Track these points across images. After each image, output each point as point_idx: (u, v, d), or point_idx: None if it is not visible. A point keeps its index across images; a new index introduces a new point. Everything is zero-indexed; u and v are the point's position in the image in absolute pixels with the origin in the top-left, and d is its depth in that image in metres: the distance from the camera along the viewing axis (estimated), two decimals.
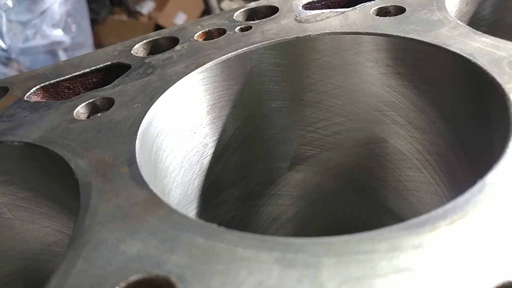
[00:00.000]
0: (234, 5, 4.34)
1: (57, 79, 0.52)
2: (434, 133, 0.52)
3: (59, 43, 2.21)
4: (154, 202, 0.31)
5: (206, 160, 0.54)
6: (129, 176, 0.33)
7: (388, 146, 0.58)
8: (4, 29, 1.84)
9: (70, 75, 0.52)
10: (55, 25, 2.17)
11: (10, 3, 1.85)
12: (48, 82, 0.52)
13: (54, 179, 0.41)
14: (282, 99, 0.57)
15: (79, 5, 2.37)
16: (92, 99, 0.45)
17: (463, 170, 0.48)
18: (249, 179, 0.60)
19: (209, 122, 0.54)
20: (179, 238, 0.27)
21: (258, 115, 0.57)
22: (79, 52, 2.42)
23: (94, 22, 2.79)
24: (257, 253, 0.25)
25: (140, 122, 0.40)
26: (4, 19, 1.83)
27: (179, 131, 0.49)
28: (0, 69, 1.90)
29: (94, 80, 0.54)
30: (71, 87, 0.54)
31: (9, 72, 1.98)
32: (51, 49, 2.24)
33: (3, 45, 1.83)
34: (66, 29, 2.24)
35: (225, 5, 4.43)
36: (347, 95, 0.57)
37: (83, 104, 0.45)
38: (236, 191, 0.60)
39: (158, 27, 4.46)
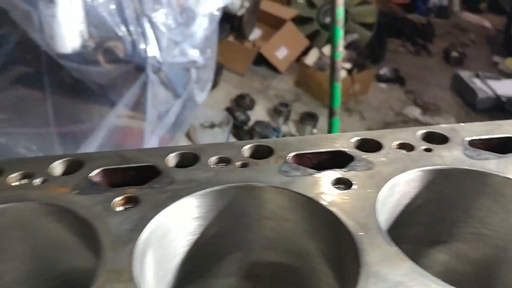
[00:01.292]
0: None
1: None
2: None
3: (194, 62, 2.61)
4: None
5: None
6: None
7: None
8: (164, 45, 2.25)
9: None
10: (195, 47, 2.57)
11: (173, 25, 2.26)
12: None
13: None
14: None
15: (214, 31, 2.78)
16: None
17: None
18: None
19: None
20: None
21: None
22: (204, 71, 2.81)
23: None
24: None
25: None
26: (166, 37, 2.24)
27: None
28: (151, 76, 2.31)
29: None
30: None
31: (156, 79, 2.39)
32: (187, 66, 2.64)
33: (160, 58, 2.24)
34: (202, 51, 2.64)
35: (326, 50, 4.76)
36: None
37: None
38: None
39: (260, 56, 4.87)
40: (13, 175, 0.74)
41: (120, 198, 0.68)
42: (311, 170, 0.75)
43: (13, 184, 0.72)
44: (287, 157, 0.78)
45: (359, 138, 0.83)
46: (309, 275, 0.75)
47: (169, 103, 2.60)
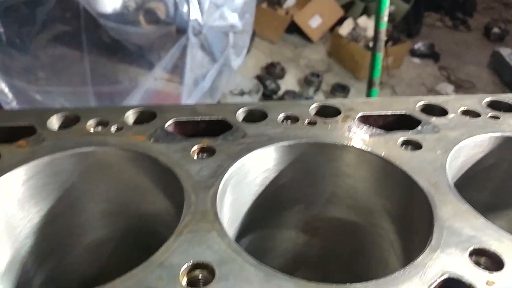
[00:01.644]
0: (370, 23, 4.57)
1: None
2: None
3: (233, 26, 2.61)
4: None
5: None
6: None
7: None
8: (206, 8, 2.26)
9: None
10: (234, 11, 2.56)
11: None
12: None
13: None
14: None
15: None
16: None
17: None
18: None
19: None
20: None
21: None
22: (241, 36, 2.81)
23: None
24: None
25: None
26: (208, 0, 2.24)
27: None
28: (191, 39, 2.32)
29: None
30: None
31: (196, 42, 2.40)
32: (226, 30, 2.64)
33: (201, 21, 2.24)
34: (240, 16, 2.63)
35: (361, 21, 4.67)
36: None
37: None
38: None
39: (293, 24, 4.80)
40: (90, 122, 0.78)
41: (196, 147, 0.72)
42: (379, 130, 0.76)
43: (91, 130, 0.76)
44: (355, 117, 0.79)
45: (424, 102, 0.84)
46: (369, 230, 0.78)
47: (206, 68, 2.62)
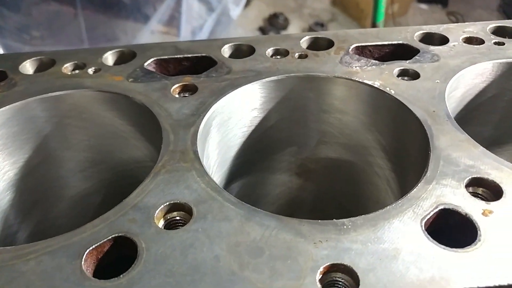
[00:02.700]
0: None
1: None
2: None
3: None
4: None
5: None
6: None
7: None
8: None
9: None
10: None
11: None
12: None
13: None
14: None
15: None
16: None
17: None
18: None
19: None
20: None
21: None
22: None
23: None
24: None
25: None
26: None
27: None
28: None
29: None
30: None
31: None
32: None
33: None
34: None
35: None
36: None
37: None
38: None
39: None
40: (66, 65, 0.73)
41: (177, 85, 0.67)
42: (374, 61, 0.71)
43: (67, 73, 0.71)
44: (349, 49, 0.73)
45: (424, 31, 0.78)
46: (364, 168, 0.74)
47: (203, 18, 2.52)
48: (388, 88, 0.64)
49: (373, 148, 0.70)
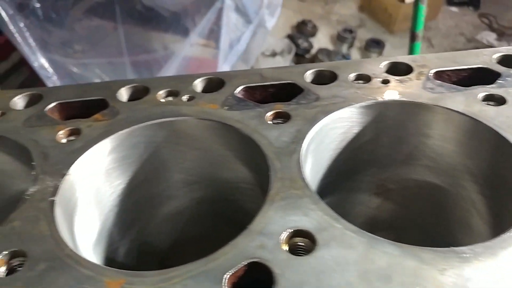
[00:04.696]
0: None
1: None
2: None
3: None
4: None
5: None
6: None
7: None
8: None
9: None
10: None
11: None
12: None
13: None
14: None
15: None
16: None
17: None
18: None
19: None
20: None
21: None
22: None
23: None
24: None
25: None
26: None
27: None
28: (227, 1, 2.27)
29: None
30: None
31: (231, 3, 2.34)
32: None
33: None
34: None
35: None
36: None
37: None
38: None
39: None
40: (160, 92, 0.77)
41: (270, 113, 0.70)
42: (457, 86, 0.73)
43: (162, 100, 0.76)
44: (429, 74, 0.76)
45: (502, 54, 0.79)
46: (449, 190, 0.76)
47: (240, 30, 2.57)
48: (476, 115, 0.67)
49: (460, 171, 0.72)
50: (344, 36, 4.18)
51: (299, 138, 0.65)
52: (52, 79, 2.79)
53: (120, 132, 0.69)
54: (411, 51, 2.27)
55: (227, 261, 0.49)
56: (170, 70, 2.65)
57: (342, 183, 0.80)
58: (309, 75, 0.78)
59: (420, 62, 0.79)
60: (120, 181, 0.73)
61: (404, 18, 4.41)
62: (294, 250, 0.51)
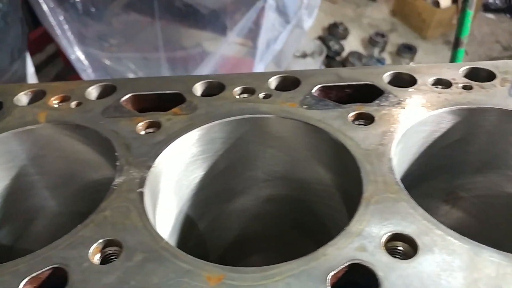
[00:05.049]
0: None
1: None
2: None
3: None
4: None
5: None
6: None
7: None
8: None
9: None
10: None
11: None
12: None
13: None
14: None
15: None
16: None
17: None
18: None
19: None
20: None
21: None
22: None
23: None
24: None
25: None
26: None
27: None
28: (269, 0, 2.27)
29: None
30: None
31: (273, 3, 2.34)
32: None
33: None
34: None
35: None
36: None
37: None
38: None
39: None
40: (236, 89, 0.77)
41: (353, 113, 0.70)
42: None
43: (238, 98, 0.76)
44: None
45: None
46: None
47: (278, 30, 2.57)
48: None
49: None
50: (376, 40, 4.14)
51: (387, 141, 0.64)
52: (87, 71, 2.83)
53: (202, 126, 0.69)
54: (453, 58, 2.23)
55: (328, 261, 0.48)
56: (206, 68, 2.66)
57: (413, 188, 0.79)
58: (387, 77, 0.77)
59: (502, 68, 0.77)
60: (196, 175, 0.74)
61: (438, 24, 4.35)
62: (394, 254, 0.50)
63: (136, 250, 0.51)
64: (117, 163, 0.63)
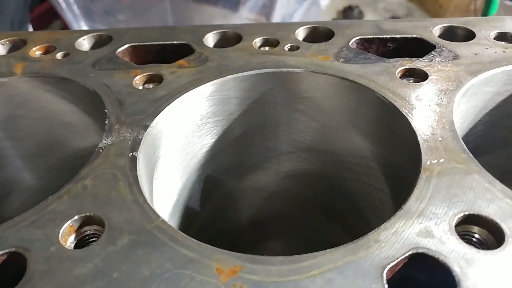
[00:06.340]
0: None
1: None
2: None
3: None
4: None
5: None
6: None
7: None
8: None
9: None
10: None
11: None
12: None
13: None
14: None
15: None
16: None
17: None
18: None
19: None
20: None
21: None
22: None
23: None
24: None
25: None
26: None
27: None
28: None
29: None
30: None
31: None
32: None
33: None
34: None
35: None
36: None
37: None
38: None
39: None
40: (255, 40, 0.63)
41: (401, 68, 0.56)
42: None
43: (259, 49, 0.62)
44: None
45: None
46: None
47: (293, 7, 2.41)
48: None
49: None
50: None
51: (446, 101, 0.50)
52: None
53: (213, 81, 0.55)
54: None
55: (382, 249, 0.35)
56: None
57: None
58: (437, 30, 0.63)
59: None
60: (204, 143, 0.60)
61: (456, 9, 4.15)
62: (469, 242, 0.37)
63: (122, 230, 0.38)
64: (106, 122, 0.50)
